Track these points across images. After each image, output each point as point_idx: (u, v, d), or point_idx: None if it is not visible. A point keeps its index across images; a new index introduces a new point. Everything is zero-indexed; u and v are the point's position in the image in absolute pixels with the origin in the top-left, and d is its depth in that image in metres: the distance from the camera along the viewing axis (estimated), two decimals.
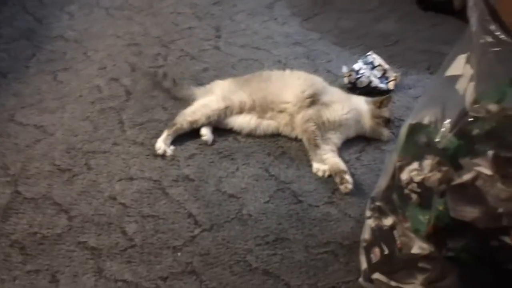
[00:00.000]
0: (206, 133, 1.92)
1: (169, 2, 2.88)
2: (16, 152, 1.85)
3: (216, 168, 1.81)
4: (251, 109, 1.96)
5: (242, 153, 1.88)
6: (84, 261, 1.49)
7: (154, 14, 2.76)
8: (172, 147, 1.87)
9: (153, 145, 1.88)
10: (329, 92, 2.01)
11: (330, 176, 1.80)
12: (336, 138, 1.92)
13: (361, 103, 1.99)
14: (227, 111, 1.95)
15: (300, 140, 1.94)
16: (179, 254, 1.52)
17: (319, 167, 1.82)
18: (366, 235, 1.49)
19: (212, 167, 1.82)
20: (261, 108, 1.96)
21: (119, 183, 1.74)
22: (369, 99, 2.01)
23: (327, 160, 1.83)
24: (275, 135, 1.97)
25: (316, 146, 1.86)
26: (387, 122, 1.96)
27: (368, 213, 1.49)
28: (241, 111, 1.96)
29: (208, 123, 1.93)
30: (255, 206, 1.68)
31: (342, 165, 1.80)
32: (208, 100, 1.97)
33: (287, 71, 2.09)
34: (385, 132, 1.96)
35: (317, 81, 2.03)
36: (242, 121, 1.95)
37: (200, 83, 2.20)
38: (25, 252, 1.51)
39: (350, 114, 1.93)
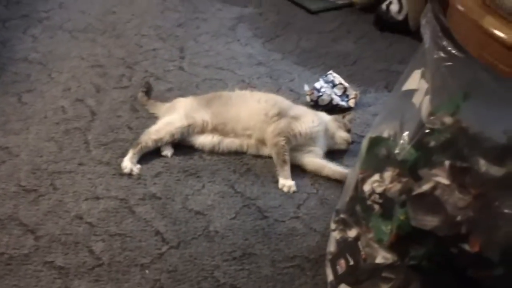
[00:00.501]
0: (164, 148, 1.96)
1: (132, 24, 2.91)
2: None
3: (182, 186, 1.83)
4: (213, 129, 1.99)
5: (207, 170, 1.91)
6: (52, 280, 1.48)
7: (117, 36, 2.78)
8: (138, 166, 1.89)
9: (119, 164, 1.89)
10: (295, 107, 2.06)
11: (294, 192, 1.84)
12: (317, 150, 1.98)
13: (325, 116, 2.07)
14: (190, 129, 1.97)
15: (265, 157, 1.98)
16: (147, 271, 1.53)
17: (285, 183, 1.86)
18: (331, 247, 1.52)
19: (178, 185, 1.84)
20: (223, 131, 1.99)
21: (86, 202, 1.74)
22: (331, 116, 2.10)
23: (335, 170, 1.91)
24: (240, 153, 2.00)
25: (284, 161, 1.90)
26: (348, 131, 2.04)
27: (333, 225, 1.53)
28: (203, 130, 1.99)
29: (172, 141, 1.96)
30: (221, 222, 1.71)
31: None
32: (171, 118, 2.00)
33: (247, 93, 2.12)
34: (346, 136, 2.02)
35: (279, 100, 2.07)
36: (205, 139, 1.98)
37: (166, 102, 2.23)
38: None
39: (320, 126, 1.99)
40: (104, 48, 2.65)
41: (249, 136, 1.98)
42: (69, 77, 2.39)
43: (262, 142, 1.98)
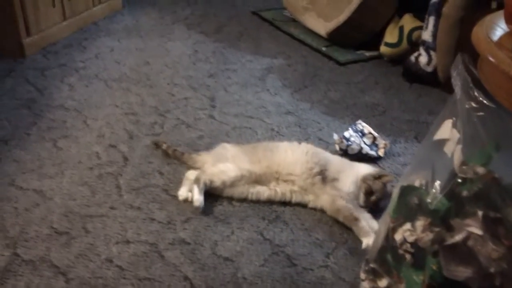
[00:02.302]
0: (182, 192, 1.99)
1: (165, 74, 3.00)
2: (15, 215, 1.87)
3: (212, 232, 1.84)
4: (257, 179, 2.01)
5: (236, 217, 1.92)
6: None
7: (151, 85, 2.87)
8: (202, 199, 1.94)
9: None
10: (333, 163, 2.05)
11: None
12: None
13: (361, 169, 2.03)
14: (241, 179, 1.99)
15: (294, 204, 1.98)
16: None
17: (369, 241, 1.76)
18: None
19: (207, 230, 1.84)
20: (265, 177, 2.01)
21: (116, 246, 1.76)
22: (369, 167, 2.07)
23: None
24: (269, 200, 2.01)
25: (356, 219, 1.85)
26: (370, 194, 1.94)
27: (362, 275, 1.51)
28: (249, 181, 2.00)
29: (220, 189, 1.98)
30: (250, 269, 1.70)
31: None
32: (225, 167, 2.01)
33: (294, 143, 2.13)
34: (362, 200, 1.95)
35: (321, 156, 2.06)
36: (246, 189, 2.00)
37: (196, 149, 2.27)
38: None
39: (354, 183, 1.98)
40: (138, 97, 2.73)
41: (293, 182, 1.99)
42: (103, 124, 2.46)
43: (304, 189, 1.99)
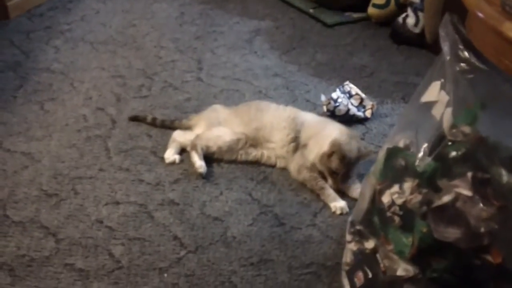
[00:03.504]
0: (169, 156, 1.99)
1: (152, 36, 2.96)
2: (4, 178, 1.87)
3: (200, 193, 1.86)
4: (248, 141, 2.01)
5: (225, 178, 1.94)
6: (72, 282, 1.51)
7: (137, 48, 2.84)
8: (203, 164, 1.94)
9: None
10: (307, 127, 2.01)
11: (347, 213, 1.79)
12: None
13: (335, 130, 1.95)
14: (236, 144, 1.99)
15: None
16: (165, 275, 1.55)
17: (336, 205, 1.81)
18: (347, 258, 1.51)
19: (196, 191, 1.86)
20: (254, 139, 2.01)
21: (106, 207, 1.77)
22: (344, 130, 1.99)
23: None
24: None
25: (322, 188, 1.86)
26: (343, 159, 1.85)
27: (348, 237, 1.52)
28: (244, 143, 2.00)
29: (216, 154, 1.99)
30: (238, 228, 1.73)
31: None
32: (220, 131, 2.01)
33: (280, 108, 2.09)
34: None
35: (299, 121, 2.02)
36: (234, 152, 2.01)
37: (184, 112, 2.27)
38: (13, 274, 1.52)
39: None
40: (124, 59, 2.70)
41: (273, 149, 2.00)
42: (90, 87, 2.44)
43: (282, 157, 1.99)
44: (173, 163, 1.97)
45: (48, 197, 1.80)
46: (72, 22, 3.05)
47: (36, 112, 2.24)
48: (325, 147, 1.86)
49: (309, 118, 2.06)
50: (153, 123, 2.16)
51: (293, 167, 1.95)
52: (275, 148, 1.99)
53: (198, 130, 2.06)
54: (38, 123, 2.17)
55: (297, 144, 1.98)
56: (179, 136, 2.04)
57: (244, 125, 2.02)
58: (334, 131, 1.93)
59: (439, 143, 1.26)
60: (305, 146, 1.96)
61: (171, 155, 1.99)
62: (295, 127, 1.99)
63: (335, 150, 1.83)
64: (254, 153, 2.01)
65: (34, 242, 1.63)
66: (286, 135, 1.98)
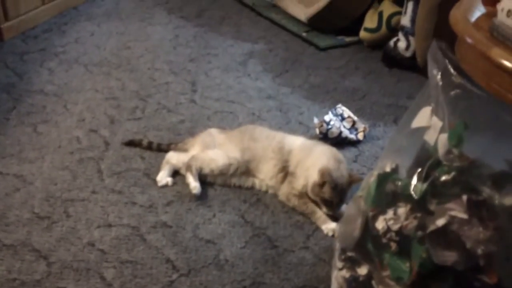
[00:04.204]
0: (161, 178, 1.99)
1: (146, 58, 2.98)
2: None
3: (193, 215, 1.86)
4: (241, 168, 2.01)
5: (218, 200, 1.94)
6: None
7: (131, 70, 2.85)
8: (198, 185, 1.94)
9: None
10: (294, 154, 1.99)
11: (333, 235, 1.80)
12: None
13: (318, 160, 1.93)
14: (229, 168, 1.98)
15: None
16: None
17: (327, 227, 1.82)
18: (335, 285, 1.49)
19: (189, 213, 1.86)
20: (246, 169, 2.00)
21: (98, 230, 1.76)
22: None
23: None
24: None
25: (313, 212, 1.87)
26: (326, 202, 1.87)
27: (339, 264, 1.48)
28: (236, 169, 2.00)
29: (209, 176, 2.00)
30: (231, 251, 1.72)
31: None
32: (214, 154, 2.01)
33: (270, 136, 2.07)
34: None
35: (285, 151, 2.00)
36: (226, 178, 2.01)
37: (178, 134, 2.28)
38: None
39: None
40: (119, 81, 2.72)
41: (262, 180, 2.00)
42: (84, 109, 2.45)
43: (271, 187, 1.99)
44: (165, 185, 1.97)
45: (40, 219, 1.79)
46: (66, 44, 3.06)
47: (29, 134, 2.24)
48: (314, 175, 1.86)
49: (296, 144, 2.03)
50: (149, 147, 2.16)
51: (282, 195, 1.95)
52: (264, 179, 1.99)
53: (193, 152, 2.06)
54: (31, 145, 2.17)
55: (285, 173, 1.97)
56: (172, 158, 2.05)
57: (237, 151, 2.02)
58: (321, 157, 1.93)
59: (434, 168, 1.26)
60: (292, 174, 1.96)
61: (164, 177, 1.99)
62: (281, 157, 1.98)
63: (327, 179, 1.82)
64: (245, 181, 2.01)
65: (25, 265, 1.62)
66: (273, 165, 1.98)
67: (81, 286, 1.56)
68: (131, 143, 2.19)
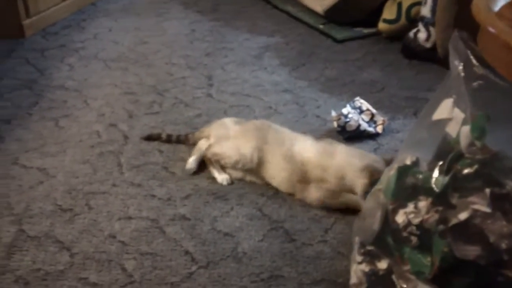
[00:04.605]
0: (190, 163, 2.02)
1: (163, 53, 3.01)
2: (20, 193, 1.91)
3: (211, 208, 1.87)
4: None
5: (235, 194, 1.95)
6: None
7: (149, 65, 2.88)
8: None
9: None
10: (311, 163, 1.94)
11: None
12: None
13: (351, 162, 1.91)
14: (242, 162, 1.98)
15: None
16: None
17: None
18: (356, 279, 1.48)
19: (207, 207, 1.88)
20: (256, 169, 1.99)
21: (118, 222, 1.79)
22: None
23: None
24: None
25: (351, 200, 1.86)
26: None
27: (358, 258, 1.48)
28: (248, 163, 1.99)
29: (224, 168, 2.01)
30: (249, 244, 1.73)
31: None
32: (227, 149, 2.01)
33: (286, 136, 2.03)
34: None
35: (298, 159, 1.94)
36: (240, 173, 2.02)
37: (194, 127, 2.29)
38: None
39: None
40: (136, 76, 2.75)
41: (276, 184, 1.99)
42: (103, 104, 2.48)
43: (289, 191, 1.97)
44: (190, 171, 2.00)
45: (62, 212, 1.83)
46: (85, 40, 3.10)
47: (51, 129, 2.28)
48: (355, 177, 1.85)
49: (309, 151, 1.96)
50: (169, 140, 2.19)
51: (313, 201, 1.90)
52: (279, 185, 1.97)
53: (210, 143, 2.07)
54: (53, 139, 2.21)
55: (306, 181, 1.92)
56: (204, 145, 2.07)
57: (249, 149, 1.98)
58: (350, 157, 1.91)
59: (456, 161, 1.26)
60: (320, 180, 1.90)
61: (192, 163, 2.02)
62: (295, 167, 1.93)
63: (376, 176, 1.77)
64: (257, 179, 2.00)
65: (49, 256, 1.65)
66: (289, 175, 1.93)
67: (103, 277, 1.58)
68: (150, 138, 2.21)
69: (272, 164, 1.97)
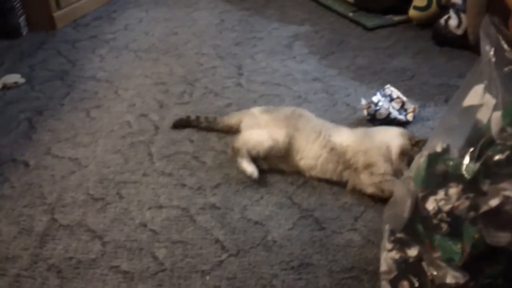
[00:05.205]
0: (252, 170, 1.95)
1: (193, 44, 3.02)
2: (52, 183, 1.95)
3: (241, 197, 1.88)
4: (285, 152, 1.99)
5: (265, 182, 1.95)
6: (117, 284, 1.55)
7: (179, 55, 2.90)
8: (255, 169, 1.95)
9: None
10: (356, 151, 1.93)
11: None
12: None
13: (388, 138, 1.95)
14: (273, 150, 1.97)
15: None
16: (207, 278, 1.57)
17: None
18: (386, 267, 1.47)
19: (237, 195, 1.89)
20: (288, 155, 1.99)
21: (149, 211, 1.82)
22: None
23: None
24: None
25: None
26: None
27: (388, 245, 1.48)
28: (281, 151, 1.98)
29: (256, 158, 1.98)
30: (279, 232, 1.73)
31: None
32: (258, 136, 2.00)
33: (317, 129, 2.00)
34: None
35: (338, 151, 1.94)
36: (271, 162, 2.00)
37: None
38: (61, 276, 1.58)
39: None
40: (167, 67, 2.77)
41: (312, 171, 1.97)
42: (134, 94, 2.51)
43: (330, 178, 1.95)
44: (255, 173, 1.93)
45: (94, 201, 1.86)
46: (116, 31, 3.14)
47: (83, 119, 2.32)
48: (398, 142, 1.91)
49: (348, 139, 1.96)
50: (198, 122, 2.21)
51: (369, 188, 1.87)
52: (317, 174, 1.95)
53: (241, 132, 2.06)
54: (85, 130, 2.25)
55: (353, 169, 1.91)
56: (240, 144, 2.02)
57: (281, 134, 1.98)
58: (386, 135, 1.96)
59: (487, 147, 1.23)
60: (369, 165, 1.88)
61: (249, 165, 1.95)
62: (338, 158, 1.92)
63: (412, 141, 1.90)
64: (290, 169, 1.99)
65: (81, 245, 1.68)
66: (333, 166, 1.93)
67: (134, 265, 1.61)
68: (179, 123, 2.24)
69: (307, 152, 1.96)
